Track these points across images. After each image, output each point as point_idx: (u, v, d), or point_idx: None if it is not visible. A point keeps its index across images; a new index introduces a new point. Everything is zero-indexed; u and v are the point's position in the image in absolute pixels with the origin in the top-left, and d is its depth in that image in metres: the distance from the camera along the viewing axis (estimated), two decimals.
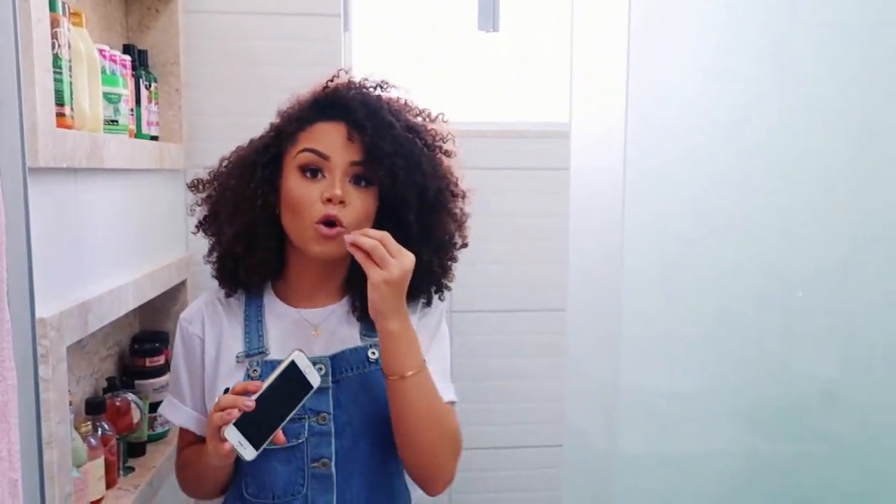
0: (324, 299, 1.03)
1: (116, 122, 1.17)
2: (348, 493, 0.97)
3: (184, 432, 1.05)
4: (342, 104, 0.97)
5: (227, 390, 0.89)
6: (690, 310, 0.89)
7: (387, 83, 1.04)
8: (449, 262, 1.04)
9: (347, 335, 1.01)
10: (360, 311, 1.01)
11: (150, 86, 1.42)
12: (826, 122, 0.87)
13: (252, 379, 0.96)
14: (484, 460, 1.74)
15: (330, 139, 0.95)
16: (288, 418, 0.85)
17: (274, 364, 0.94)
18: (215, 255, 1.04)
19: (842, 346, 0.87)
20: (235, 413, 0.82)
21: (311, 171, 0.95)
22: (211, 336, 1.02)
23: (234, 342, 1.00)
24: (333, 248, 0.94)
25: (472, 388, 1.71)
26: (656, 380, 0.86)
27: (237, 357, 0.99)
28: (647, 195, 0.84)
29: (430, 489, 0.99)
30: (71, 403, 1.09)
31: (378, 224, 0.98)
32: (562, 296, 1.06)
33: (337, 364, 0.98)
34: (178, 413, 1.04)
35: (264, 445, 0.83)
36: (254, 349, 0.99)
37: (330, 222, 0.92)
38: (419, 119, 1.03)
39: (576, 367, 0.96)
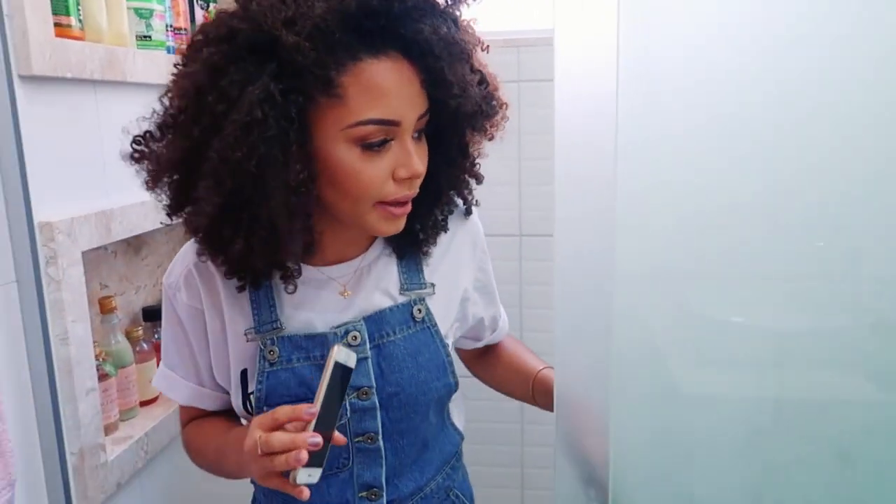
0: (350, 252, 0.82)
1: (149, 37, 1.19)
2: (398, 463, 0.83)
3: (184, 408, 0.90)
4: (402, 30, 0.69)
5: (244, 372, 0.80)
6: (695, 238, 0.76)
7: None
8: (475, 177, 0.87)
9: (384, 290, 0.82)
10: (400, 249, 0.83)
11: (206, 6, 1.44)
12: (860, 31, 0.68)
13: (270, 363, 0.79)
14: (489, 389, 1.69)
15: (392, 90, 0.69)
16: (339, 415, 0.72)
17: (294, 340, 0.79)
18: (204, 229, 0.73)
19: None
20: (305, 456, 0.65)
21: (377, 144, 0.70)
22: (210, 304, 0.81)
23: (240, 314, 0.80)
24: (400, 226, 0.76)
25: None
26: (653, 315, 0.75)
27: (246, 335, 0.80)
28: (642, 109, 0.70)
29: None
30: (115, 309, 1.16)
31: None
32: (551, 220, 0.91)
33: (375, 326, 0.80)
34: (176, 390, 0.87)
35: (326, 459, 0.69)
36: (265, 324, 0.79)
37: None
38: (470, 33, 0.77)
39: (566, 295, 0.83)
